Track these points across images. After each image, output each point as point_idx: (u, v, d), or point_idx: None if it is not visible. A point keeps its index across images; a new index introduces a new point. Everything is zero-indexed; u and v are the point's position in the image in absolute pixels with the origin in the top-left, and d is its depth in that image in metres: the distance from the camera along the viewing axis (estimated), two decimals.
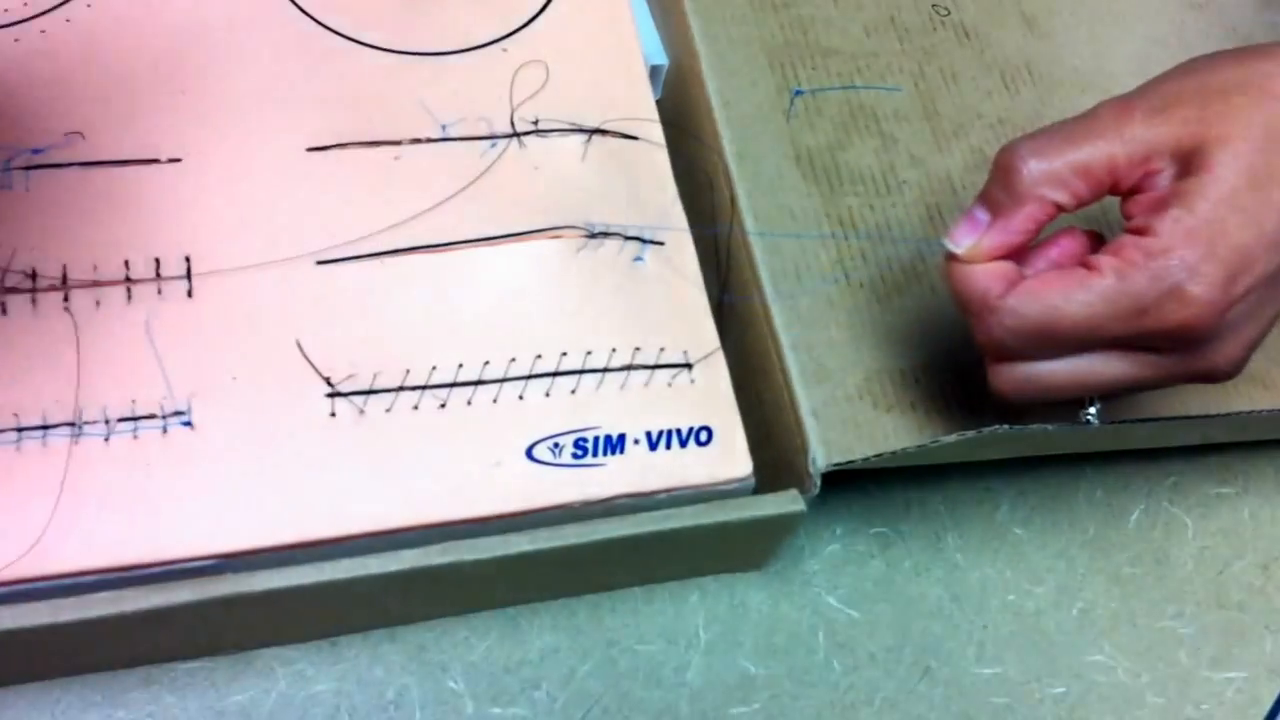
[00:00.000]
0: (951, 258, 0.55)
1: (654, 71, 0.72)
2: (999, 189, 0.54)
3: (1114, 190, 0.54)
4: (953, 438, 0.57)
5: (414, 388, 0.58)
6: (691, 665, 0.66)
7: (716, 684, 0.66)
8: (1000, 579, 0.72)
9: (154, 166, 0.60)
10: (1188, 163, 0.52)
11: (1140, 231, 0.52)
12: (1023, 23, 0.80)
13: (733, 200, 0.66)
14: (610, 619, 0.66)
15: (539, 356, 0.60)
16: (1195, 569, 0.74)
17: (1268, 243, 0.51)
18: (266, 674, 0.61)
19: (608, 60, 0.69)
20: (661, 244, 0.64)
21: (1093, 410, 0.60)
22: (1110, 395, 0.57)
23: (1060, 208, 0.53)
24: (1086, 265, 0.52)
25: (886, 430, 0.63)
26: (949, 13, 0.79)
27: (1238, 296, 0.51)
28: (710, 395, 0.61)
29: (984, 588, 0.71)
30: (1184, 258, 0.50)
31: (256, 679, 0.61)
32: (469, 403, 0.58)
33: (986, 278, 0.53)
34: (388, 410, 0.57)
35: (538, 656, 0.65)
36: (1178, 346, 0.53)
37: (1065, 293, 0.51)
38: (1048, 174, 0.53)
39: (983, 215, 0.54)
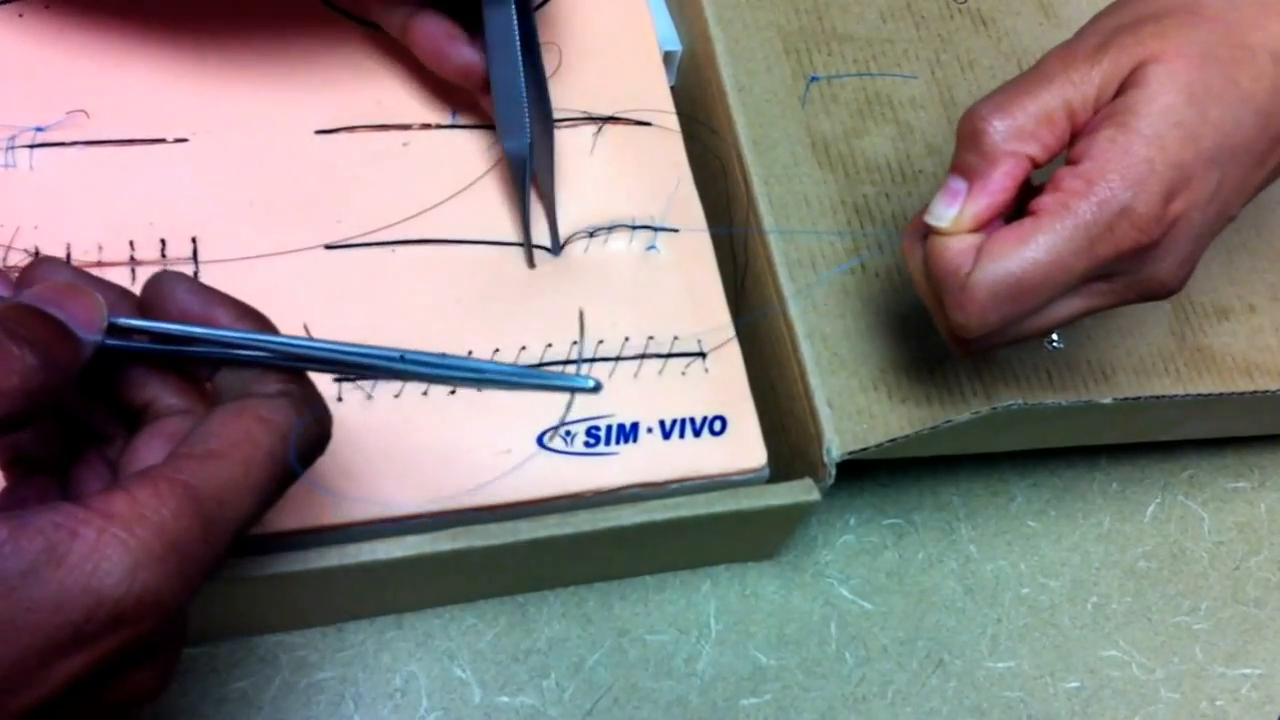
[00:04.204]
0: (933, 233, 0.53)
1: (668, 58, 0.71)
2: (971, 154, 0.53)
3: (1075, 134, 0.53)
4: (967, 416, 0.57)
5: None
6: (702, 655, 0.66)
7: (728, 674, 0.65)
8: (1014, 572, 0.71)
9: (160, 146, 0.60)
10: (1125, 86, 0.51)
11: (1076, 160, 0.51)
12: (1039, 10, 0.79)
13: (747, 187, 0.66)
14: (620, 608, 0.66)
15: (550, 345, 0.59)
16: (1211, 564, 0.74)
17: (1206, 159, 0.50)
18: (270, 660, 0.61)
19: (621, 45, 0.68)
20: (676, 231, 0.64)
21: (1055, 337, 0.61)
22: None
23: (1033, 161, 0.52)
24: (1031, 213, 0.51)
25: (902, 421, 0.62)
26: (965, 0, 0.78)
27: (1178, 213, 0.51)
28: (724, 384, 0.61)
29: (997, 580, 0.71)
30: (1125, 174, 0.49)
31: (259, 665, 0.61)
32: (479, 389, 0.57)
33: (960, 254, 0.52)
34: (396, 396, 0.56)
35: (546, 645, 0.64)
36: (1129, 268, 0.52)
37: (1020, 247, 0.50)
38: (1014, 129, 0.52)
39: (959, 184, 0.53)
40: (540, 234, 0.62)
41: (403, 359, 0.43)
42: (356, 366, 0.44)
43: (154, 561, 0.36)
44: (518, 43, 0.57)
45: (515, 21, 0.56)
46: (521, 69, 0.57)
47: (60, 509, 0.36)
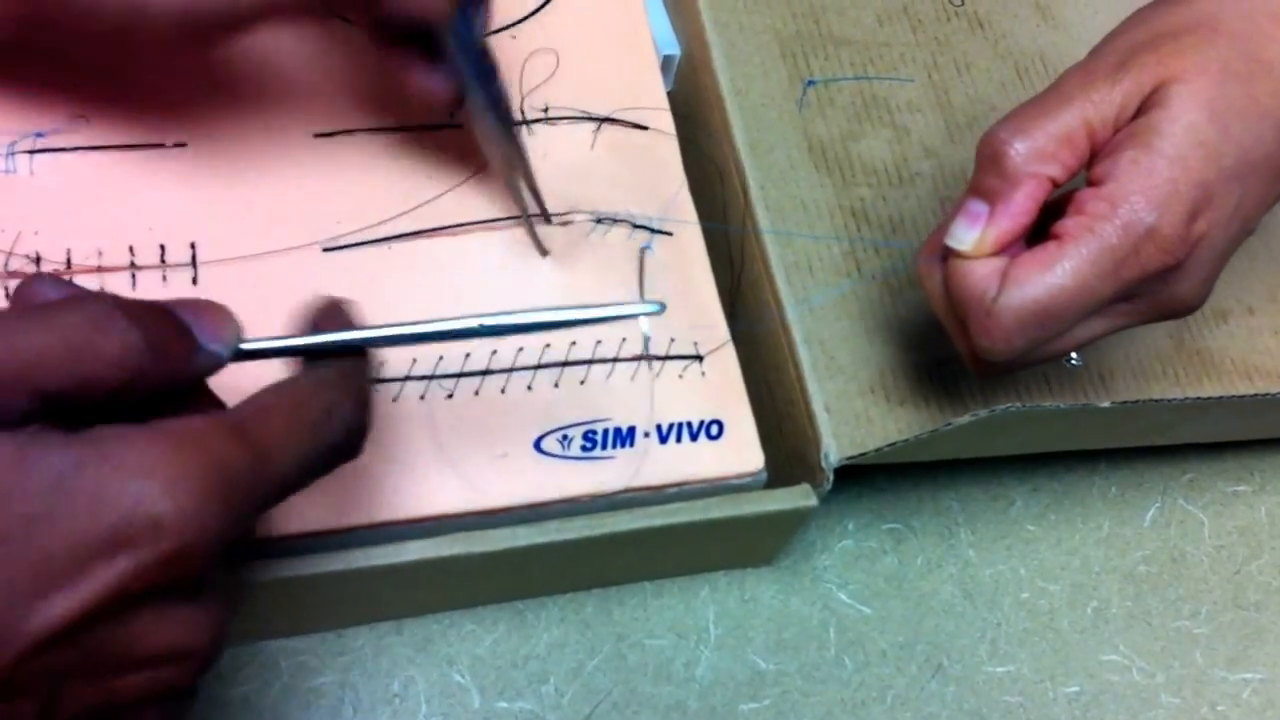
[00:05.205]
0: (954, 256, 0.53)
1: (666, 62, 0.71)
2: (991, 177, 0.53)
3: (1095, 154, 0.53)
4: (965, 419, 0.57)
5: (420, 378, 0.57)
6: (701, 660, 0.66)
7: (726, 680, 0.65)
8: (1014, 576, 0.71)
9: (159, 151, 0.60)
10: (1146, 106, 0.51)
11: (1098, 181, 0.51)
12: (1036, 12, 0.79)
13: (744, 191, 0.66)
14: (619, 613, 0.66)
15: (548, 345, 0.59)
16: (1211, 568, 0.74)
17: (1228, 177, 0.51)
18: (271, 666, 0.61)
19: (619, 49, 0.68)
20: (670, 234, 0.64)
21: (1074, 356, 0.62)
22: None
23: (1054, 182, 0.52)
24: (1055, 236, 0.51)
25: (900, 425, 0.62)
26: (962, 2, 0.78)
27: (1202, 233, 0.51)
28: (721, 388, 0.61)
29: (997, 585, 0.71)
30: (1149, 196, 0.49)
31: (260, 670, 0.61)
32: (476, 393, 0.57)
33: (984, 279, 0.52)
34: (394, 400, 0.56)
35: (545, 650, 0.64)
36: (1152, 289, 0.52)
37: (1046, 273, 0.50)
38: (1035, 151, 0.52)
39: (979, 207, 0.53)
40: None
41: (481, 329, 0.45)
42: (438, 337, 0.46)
43: (199, 477, 0.36)
44: (472, 64, 0.56)
45: (465, 47, 0.56)
46: (481, 95, 0.57)
47: (116, 425, 0.37)
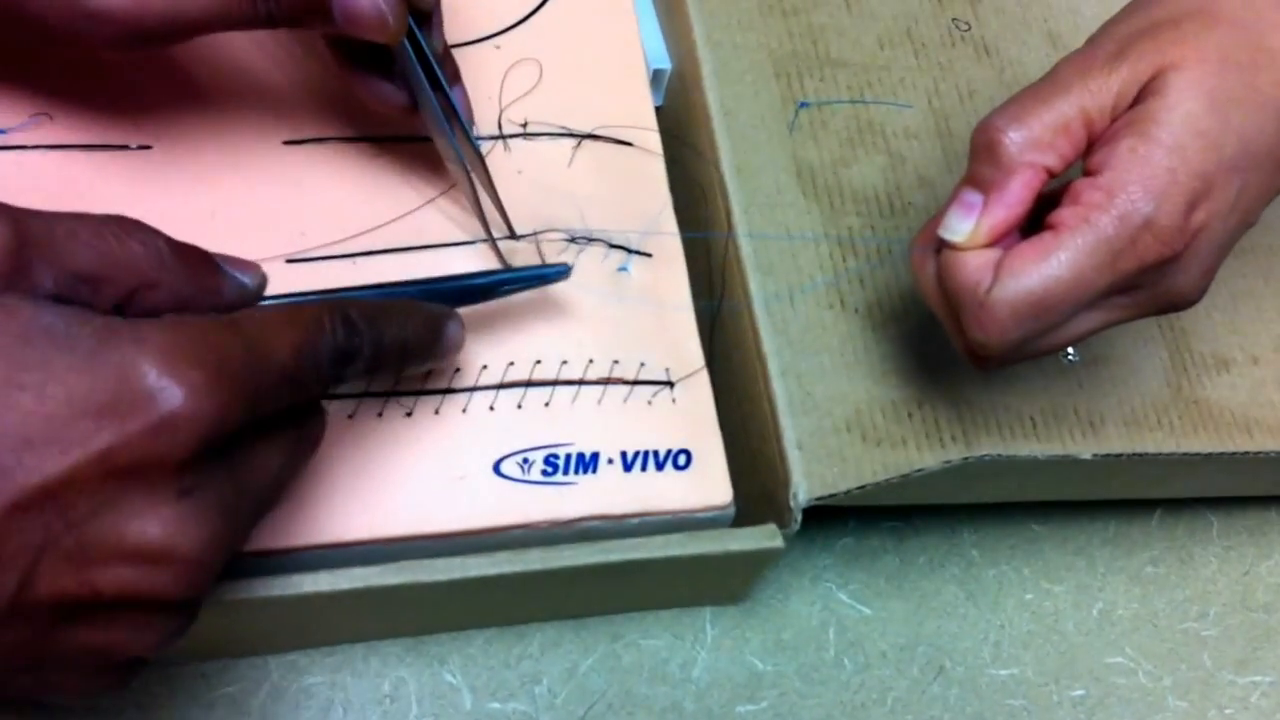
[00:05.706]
0: (947, 246, 0.52)
1: (656, 76, 0.71)
2: (986, 167, 0.52)
3: (1092, 143, 0.52)
4: (937, 466, 0.57)
5: (379, 394, 0.56)
6: (698, 661, 0.66)
7: (724, 681, 0.66)
8: (1018, 576, 0.71)
9: (122, 153, 0.59)
10: (1144, 94, 0.51)
11: (1095, 170, 0.50)
12: (1047, 41, 0.76)
13: (728, 214, 0.65)
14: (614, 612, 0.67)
15: (511, 363, 0.59)
16: (1220, 568, 0.73)
17: (1228, 168, 0.50)
18: (258, 665, 0.62)
19: (606, 62, 0.68)
20: (649, 255, 0.63)
21: (1071, 351, 0.62)
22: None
23: (1050, 172, 0.52)
24: (1051, 227, 0.50)
25: (875, 466, 0.60)
26: (969, 27, 0.75)
27: (1201, 224, 0.50)
28: (692, 417, 0.60)
29: (1000, 585, 0.71)
30: (1147, 186, 0.48)
31: (247, 670, 0.62)
32: (436, 412, 0.57)
33: (978, 270, 0.51)
34: (350, 416, 0.56)
35: (538, 650, 0.65)
36: (1150, 280, 0.51)
37: (1041, 264, 0.49)
38: (1030, 140, 0.51)
39: (974, 197, 0.52)
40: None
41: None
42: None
43: (193, 354, 0.39)
44: (424, 80, 0.56)
45: (416, 65, 0.56)
46: (435, 104, 0.57)
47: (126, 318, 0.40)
